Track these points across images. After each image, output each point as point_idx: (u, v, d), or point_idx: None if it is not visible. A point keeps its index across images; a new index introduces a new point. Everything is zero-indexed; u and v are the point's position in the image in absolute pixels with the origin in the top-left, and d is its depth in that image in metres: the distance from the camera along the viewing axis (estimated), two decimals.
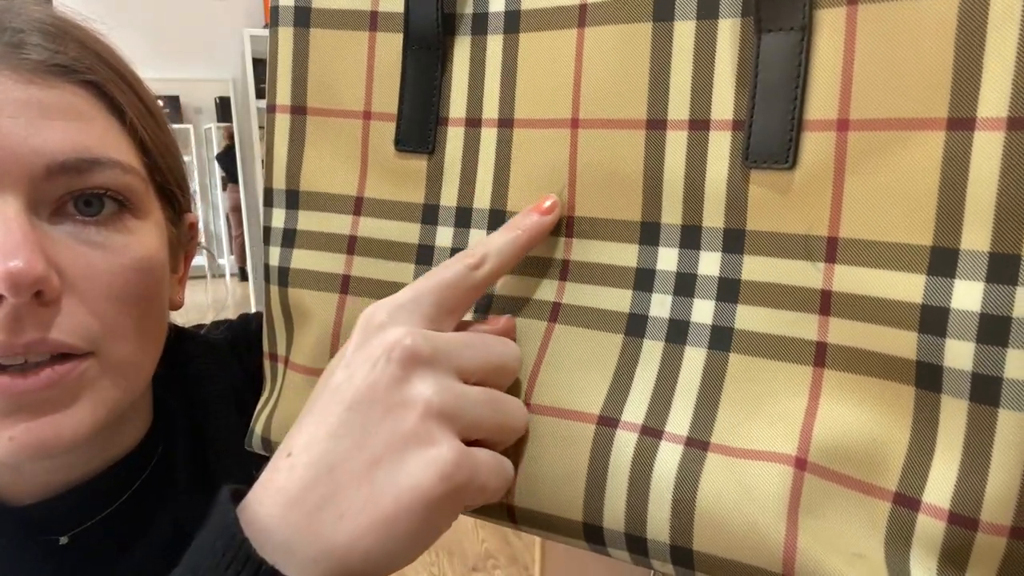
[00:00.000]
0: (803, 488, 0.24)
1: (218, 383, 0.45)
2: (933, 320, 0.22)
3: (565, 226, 0.29)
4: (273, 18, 0.34)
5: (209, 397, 0.44)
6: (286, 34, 0.34)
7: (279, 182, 0.34)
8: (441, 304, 0.27)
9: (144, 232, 0.36)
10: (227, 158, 3.80)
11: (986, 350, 0.21)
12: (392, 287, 0.32)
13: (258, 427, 0.36)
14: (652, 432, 0.26)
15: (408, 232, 0.32)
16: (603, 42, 0.27)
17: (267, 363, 0.37)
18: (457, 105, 0.31)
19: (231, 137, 3.76)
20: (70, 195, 0.33)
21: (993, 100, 0.21)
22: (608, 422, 0.27)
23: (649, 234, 0.27)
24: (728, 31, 0.25)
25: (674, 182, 0.27)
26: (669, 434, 0.26)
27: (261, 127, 3.46)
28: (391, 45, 0.31)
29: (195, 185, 3.93)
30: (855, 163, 0.23)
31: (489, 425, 0.26)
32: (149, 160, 0.37)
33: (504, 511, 0.29)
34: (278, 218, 0.34)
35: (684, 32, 0.26)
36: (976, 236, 0.21)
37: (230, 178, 3.83)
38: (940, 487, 0.22)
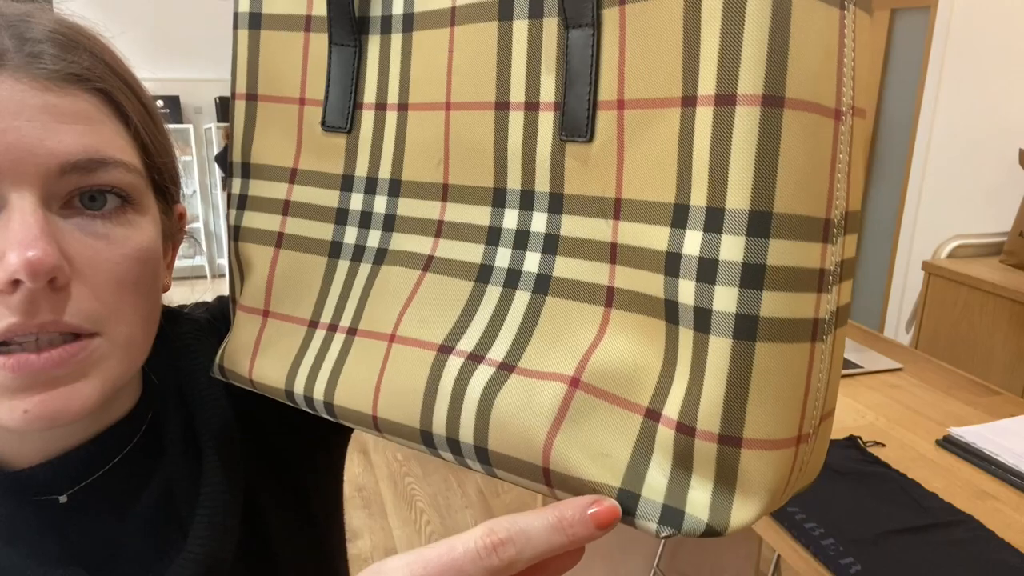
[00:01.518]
0: (572, 401, 0.30)
1: (201, 356, 0.48)
2: (673, 264, 0.27)
3: (441, 191, 0.35)
4: (235, 22, 0.41)
5: (194, 368, 0.48)
6: (243, 35, 0.41)
7: (237, 156, 0.42)
8: None
9: (143, 225, 0.39)
10: (224, 158, 3.80)
11: (702, 287, 0.26)
12: (314, 243, 0.39)
13: (217, 358, 0.44)
14: (475, 358, 0.32)
15: (330, 198, 0.39)
16: (466, 38, 0.33)
17: (231, 307, 0.44)
18: (369, 93, 0.37)
19: (229, 137, 3.76)
20: (78, 191, 0.36)
21: (706, 81, 0.26)
22: (445, 350, 0.33)
23: (499, 198, 0.34)
24: (550, 28, 0.31)
25: (515, 154, 0.33)
26: (488, 359, 0.32)
27: None
28: (321, 43, 0.38)
29: (195, 185, 3.92)
30: (630, 136, 0.29)
31: None
32: (148, 160, 0.41)
33: (371, 420, 0.35)
34: (236, 186, 0.42)
35: (520, 29, 0.32)
36: (699, 194, 0.26)
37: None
38: (674, 402, 0.28)
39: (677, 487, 0.28)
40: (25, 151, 0.34)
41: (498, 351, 0.32)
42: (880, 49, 3.19)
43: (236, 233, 0.42)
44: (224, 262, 4.10)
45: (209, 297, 0.55)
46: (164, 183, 0.43)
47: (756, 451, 0.26)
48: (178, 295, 3.69)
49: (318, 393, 0.37)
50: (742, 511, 0.27)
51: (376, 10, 0.37)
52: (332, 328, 0.38)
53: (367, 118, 0.37)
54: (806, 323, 0.26)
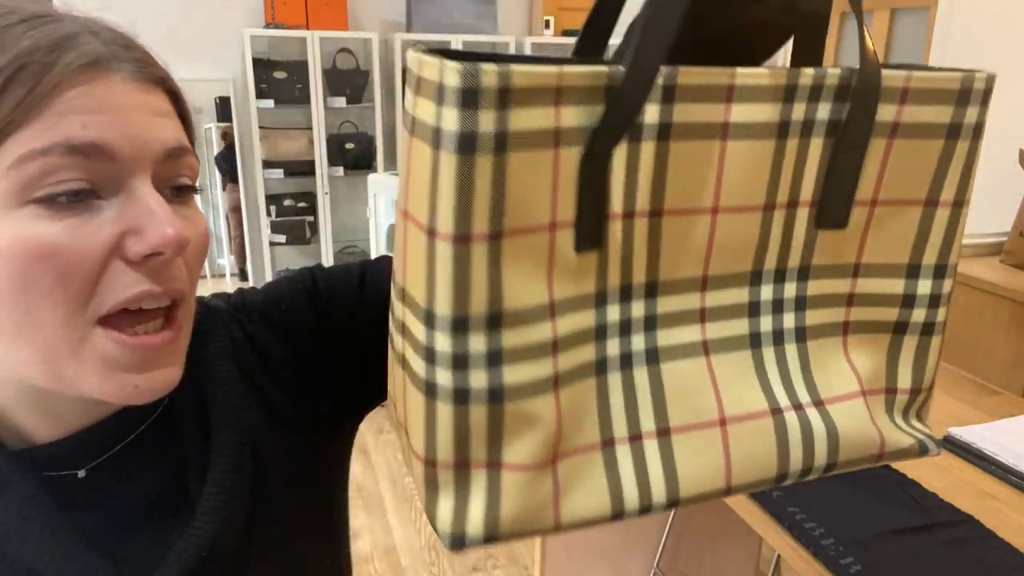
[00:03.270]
0: (869, 404, 0.43)
1: (216, 341, 0.51)
2: (908, 301, 0.42)
3: (700, 283, 0.38)
4: (466, 143, 0.30)
5: (209, 354, 0.50)
6: (485, 164, 0.31)
7: (478, 307, 0.33)
8: None
9: (199, 207, 0.45)
10: (224, 159, 3.80)
11: (931, 312, 0.42)
12: (582, 369, 0.36)
13: (468, 528, 0.36)
14: (797, 407, 0.40)
15: (587, 318, 0.36)
16: (740, 151, 0.36)
17: (451, 472, 0.36)
18: (616, 202, 0.35)
19: (225, 136, 3.75)
20: (173, 178, 0.42)
21: (947, 192, 0.40)
22: (776, 412, 0.40)
23: (755, 278, 0.40)
24: (817, 144, 0.38)
25: (775, 243, 0.39)
26: (804, 404, 0.41)
27: (261, 127, 3.46)
28: (570, 159, 0.33)
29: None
30: (876, 223, 0.40)
31: None
32: (194, 148, 0.46)
33: (723, 491, 0.40)
34: (476, 343, 0.33)
35: (792, 146, 0.37)
36: (930, 258, 0.42)
37: (229, 178, 3.83)
38: (904, 379, 0.43)
39: (919, 427, 0.44)
40: (141, 140, 0.40)
41: (804, 396, 0.40)
42: (880, 49, 3.19)
43: (494, 395, 0.34)
44: (224, 262, 4.10)
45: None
46: None
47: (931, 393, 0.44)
48: None
49: (658, 498, 0.38)
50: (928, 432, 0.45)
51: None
52: (635, 438, 0.38)
53: (615, 229, 0.36)
54: (941, 324, 0.43)
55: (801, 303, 0.41)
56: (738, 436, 0.39)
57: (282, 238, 3.67)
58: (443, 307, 0.33)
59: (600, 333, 0.37)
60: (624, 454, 0.37)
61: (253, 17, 3.46)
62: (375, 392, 0.55)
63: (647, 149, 0.35)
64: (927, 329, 0.42)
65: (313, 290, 0.54)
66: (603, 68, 0.33)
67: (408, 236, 0.34)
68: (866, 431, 0.41)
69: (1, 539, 0.42)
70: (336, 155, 3.60)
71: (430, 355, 0.34)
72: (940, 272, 0.41)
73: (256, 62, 3.36)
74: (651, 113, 0.34)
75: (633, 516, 0.38)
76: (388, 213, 2.95)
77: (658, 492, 0.37)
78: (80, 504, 0.44)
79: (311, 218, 3.67)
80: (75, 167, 0.37)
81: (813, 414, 0.40)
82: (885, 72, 0.37)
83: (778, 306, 0.40)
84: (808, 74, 0.36)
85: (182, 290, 0.42)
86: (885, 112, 0.37)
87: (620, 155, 0.34)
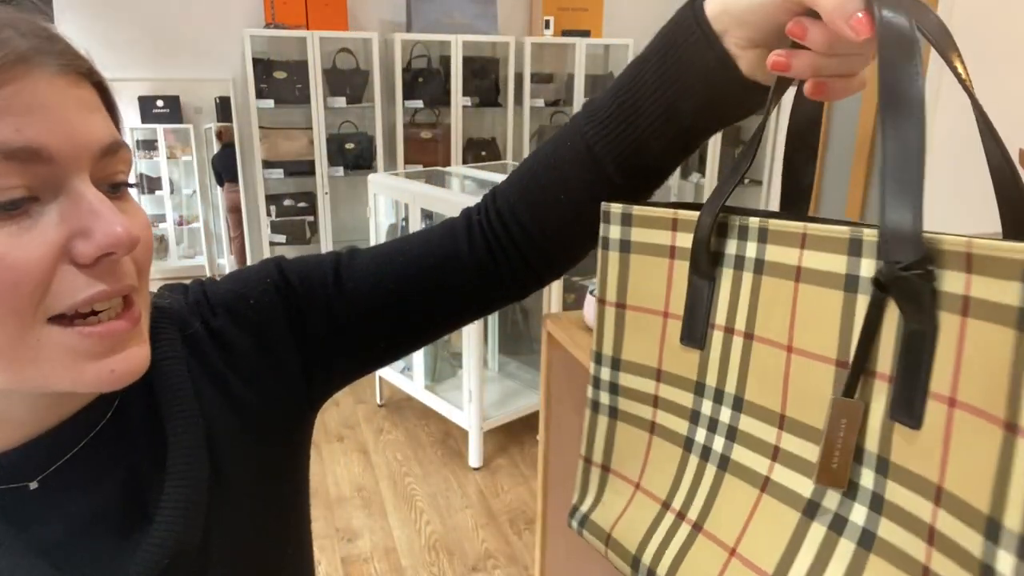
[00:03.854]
0: None
1: (165, 341, 0.50)
2: (987, 574, 0.29)
3: (779, 420, 0.39)
4: (605, 243, 0.49)
5: (158, 354, 0.48)
6: (614, 256, 0.48)
7: (607, 350, 0.49)
8: None
9: (132, 198, 0.44)
10: (219, 159, 3.79)
11: None
12: (675, 435, 0.46)
13: (587, 509, 0.52)
14: None
15: (686, 399, 0.45)
16: (809, 296, 0.37)
17: (586, 466, 0.53)
18: (720, 315, 0.43)
19: (220, 136, 3.75)
20: (110, 175, 0.41)
21: None
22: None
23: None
24: (891, 309, 0.34)
25: (854, 416, 0.36)
26: None
27: (261, 127, 3.46)
28: (683, 268, 0.45)
29: (195, 185, 3.92)
30: (958, 433, 0.31)
31: None
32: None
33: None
34: (605, 374, 0.50)
35: (863, 302, 0.35)
36: (1013, 518, 0.28)
37: (225, 178, 3.82)
38: None
39: None
40: (77, 138, 0.38)
41: None
42: None
43: (612, 412, 0.50)
44: (224, 262, 4.10)
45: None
46: None
47: None
48: None
49: (661, 569, 0.44)
50: None
51: (731, 249, 0.42)
52: (680, 516, 0.45)
53: (717, 337, 0.43)
54: None
55: (877, 503, 0.35)
56: (736, 572, 0.41)
57: (282, 238, 3.67)
58: (594, 344, 0.50)
59: (694, 417, 0.45)
60: (667, 521, 0.45)
61: (253, 17, 3.46)
62: (337, 380, 0.58)
63: (747, 278, 0.41)
64: None
65: (283, 284, 0.54)
66: (695, 213, 0.43)
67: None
68: None
69: None
70: (336, 155, 3.60)
71: (590, 378, 0.51)
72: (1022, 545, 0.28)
73: (256, 62, 3.36)
74: (750, 248, 0.41)
75: (640, 571, 0.46)
76: (388, 213, 2.95)
77: (664, 565, 0.44)
78: (33, 517, 0.43)
79: (311, 218, 3.67)
80: (11, 174, 0.36)
81: None
82: (946, 236, 0.31)
83: (851, 490, 0.36)
84: (873, 231, 0.34)
85: (132, 285, 0.41)
86: (951, 281, 0.31)
87: (727, 279, 0.42)
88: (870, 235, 0.35)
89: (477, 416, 2.62)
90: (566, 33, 3.93)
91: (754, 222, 0.41)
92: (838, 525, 0.36)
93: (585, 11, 3.97)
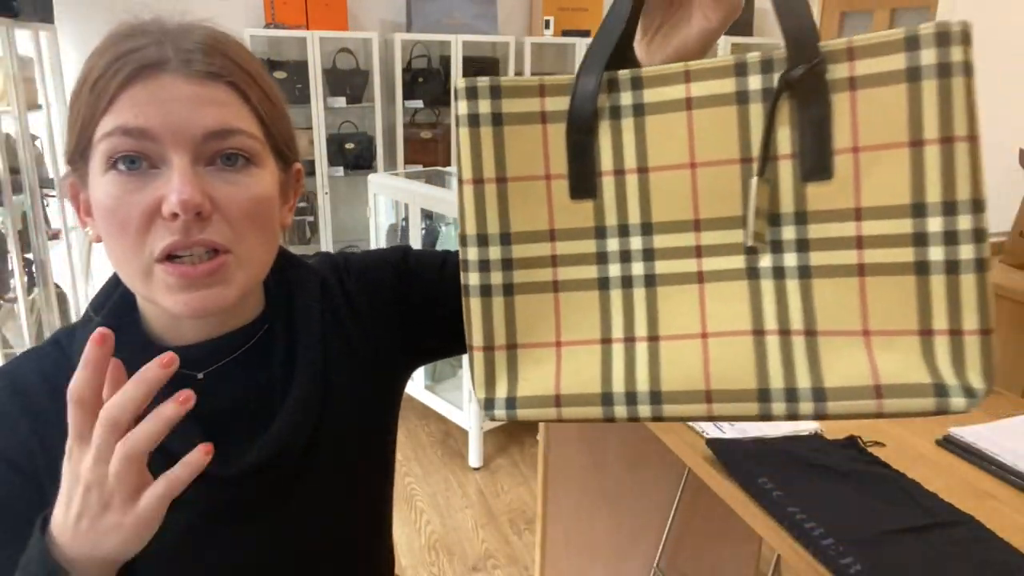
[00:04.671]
0: (872, 343, 0.44)
1: (308, 290, 0.66)
2: (920, 239, 0.42)
3: (694, 225, 0.47)
4: (473, 119, 0.49)
5: (300, 299, 0.65)
6: (487, 133, 0.49)
7: (492, 228, 0.50)
8: None
9: (262, 176, 0.57)
10: None
11: (949, 248, 0.42)
12: (585, 282, 0.50)
13: (496, 393, 0.51)
14: (784, 332, 0.45)
15: (588, 246, 0.50)
16: (704, 118, 0.46)
17: (481, 353, 0.51)
18: (606, 164, 0.48)
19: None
20: (218, 153, 0.54)
21: (930, 130, 0.41)
22: (758, 332, 0.46)
23: (747, 222, 0.46)
24: (784, 107, 0.44)
25: (765, 191, 0.45)
26: (794, 331, 0.45)
27: None
28: (557, 131, 0.49)
29: None
30: (866, 169, 0.43)
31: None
32: (266, 129, 0.58)
33: (703, 395, 0.46)
34: (494, 253, 0.50)
35: (755, 112, 0.45)
36: (934, 195, 0.42)
37: None
38: (940, 320, 0.43)
39: (960, 372, 0.42)
40: (180, 125, 0.52)
41: (798, 323, 0.45)
42: None
43: (508, 290, 0.50)
44: None
45: None
46: (280, 147, 0.60)
47: (987, 336, 0.42)
48: None
49: (641, 385, 0.48)
50: (981, 376, 0.43)
51: (603, 103, 0.48)
52: (629, 340, 0.49)
53: (608, 182, 0.49)
54: (987, 260, 0.42)
55: (804, 245, 0.45)
56: (718, 348, 0.46)
57: (282, 237, 3.66)
58: (470, 228, 0.49)
59: (601, 258, 0.49)
60: (618, 350, 0.49)
61: (253, 17, 3.46)
62: (431, 350, 0.74)
63: (627, 123, 0.48)
64: (952, 267, 0.42)
65: (403, 266, 0.71)
66: (565, 77, 0.49)
67: (457, 192, 0.49)
68: (856, 363, 0.44)
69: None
70: (336, 155, 3.60)
71: (466, 265, 0.50)
72: (950, 209, 0.41)
73: None
74: (625, 97, 0.48)
75: (621, 404, 0.48)
76: (388, 213, 2.95)
77: (641, 380, 0.47)
78: (197, 400, 0.53)
79: (311, 218, 3.67)
80: (128, 145, 0.51)
81: (798, 340, 0.45)
82: (830, 41, 0.43)
83: (776, 246, 0.46)
84: (754, 54, 0.45)
85: (214, 241, 0.53)
86: (838, 70, 0.43)
87: (605, 128, 0.48)
88: (752, 58, 0.45)
89: (477, 416, 2.62)
90: (566, 33, 3.93)
91: (624, 74, 0.48)
92: (780, 273, 0.46)
93: (585, 11, 3.96)
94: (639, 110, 0.48)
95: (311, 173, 3.53)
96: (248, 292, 0.58)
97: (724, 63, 0.46)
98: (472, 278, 0.50)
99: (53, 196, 3.00)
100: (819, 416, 0.45)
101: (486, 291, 0.50)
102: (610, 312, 0.49)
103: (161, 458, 0.51)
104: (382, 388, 0.70)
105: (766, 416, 0.46)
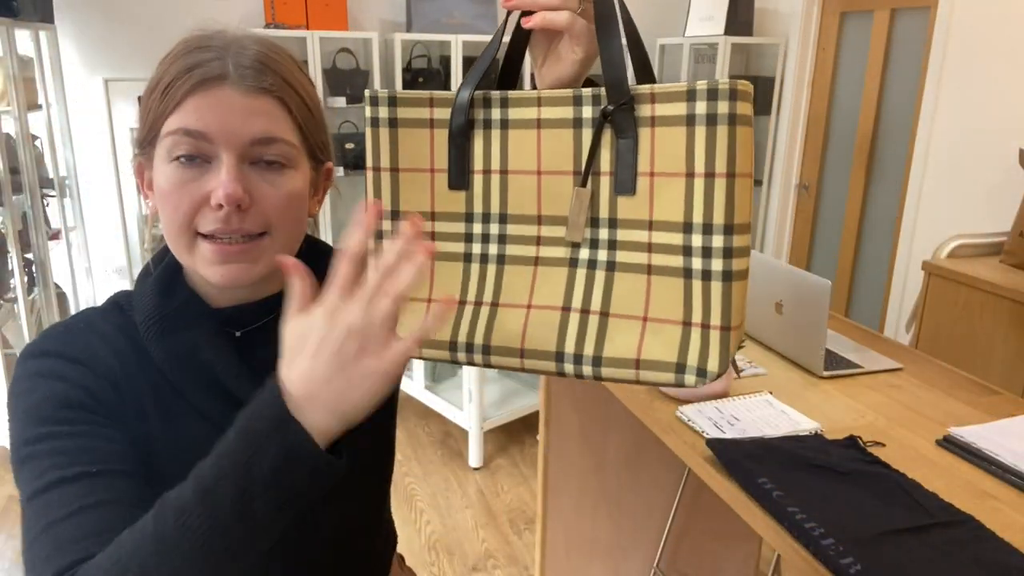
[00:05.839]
0: (646, 329, 0.57)
1: (329, 265, 0.73)
2: (687, 250, 0.54)
3: (537, 219, 0.61)
4: (375, 122, 0.64)
5: (322, 273, 0.73)
6: (384, 132, 0.64)
7: (386, 205, 0.64)
8: None
9: (296, 177, 0.67)
10: None
11: (705, 260, 0.54)
12: (453, 255, 0.63)
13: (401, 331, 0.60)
14: (584, 311, 0.59)
15: (458, 227, 0.63)
16: (549, 135, 0.59)
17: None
18: (478, 162, 0.62)
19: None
20: (261, 156, 0.65)
21: (699, 165, 0.53)
22: (565, 309, 0.59)
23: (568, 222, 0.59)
24: (607, 136, 0.57)
25: (585, 198, 0.58)
26: (592, 311, 0.58)
27: None
28: (441, 135, 0.63)
29: None
30: (658, 190, 0.56)
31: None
32: (303, 136, 0.68)
33: (518, 352, 0.60)
34: (386, 225, 0.64)
35: (587, 134, 0.58)
36: (697, 216, 0.54)
37: None
38: (698, 314, 0.55)
39: (702, 357, 0.55)
40: (233, 131, 0.63)
41: (596, 305, 0.58)
42: (880, 49, 3.19)
43: None
44: None
45: None
46: (314, 150, 0.71)
47: (731, 331, 0.54)
48: None
49: (478, 339, 0.61)
50: (717, 362, 0.55)
51: (479, 115, 0.62)
52: (477, 304, 0.62)
53: (477, 179, 0.62)
54: (745, 271, 0.55)
55: (613, 244, 0.58)
56: (535, 317, 0.60)
57: (320, 239, 3.66)
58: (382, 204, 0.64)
59: (468, 238, 0.63)
60: (468, 311, 0.62)
61: (253, 17, 3.46)
62: None
63: (495, 133, 0.61)
64: (706, 275, 0.54)
65: None
66: (452, 92, 0.61)
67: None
68: (628, 342, 0.57)
69: (199, 349, 0.68)
70: (336, 155, 3.59)
71: (377, 235, 0.63)
72: (708, 229, 0.53)
73: None
74: (495, 113, 0.61)
75: (463, 351, 0.61)
76: None
77: (479, 335, 0.61)
78: (238, 353, 0.69)
79: (311, 218, 3.66)
80: (189, 144, 0.63)
81: (593, 319, 0.58)
82: (638, 87, 0.56)
83: (594, 243, 0.59)
84: (588, 90, 0.58)
85: (251, 230, 0.64)
86: (643, 110, 0.56)
87: (479, 136, 0.62)
88: (587, 92, 0.57)
89: (477, 416, 2.62)
90: None
91: (495, 94, 0.61)
92: (592, 265, 0.59)
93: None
94: (504, 124, 0.61)
95: None
96: (276, 268, 0.66)
97: (566, 94, 0.59)
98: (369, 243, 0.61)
99: (53, 196, 3.00)
100: (596, 377, 0.57)
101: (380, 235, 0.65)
102: (469, 280, 0.63)
103: (219, 391, 0.67)
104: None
105: (560, 373, 0.59)
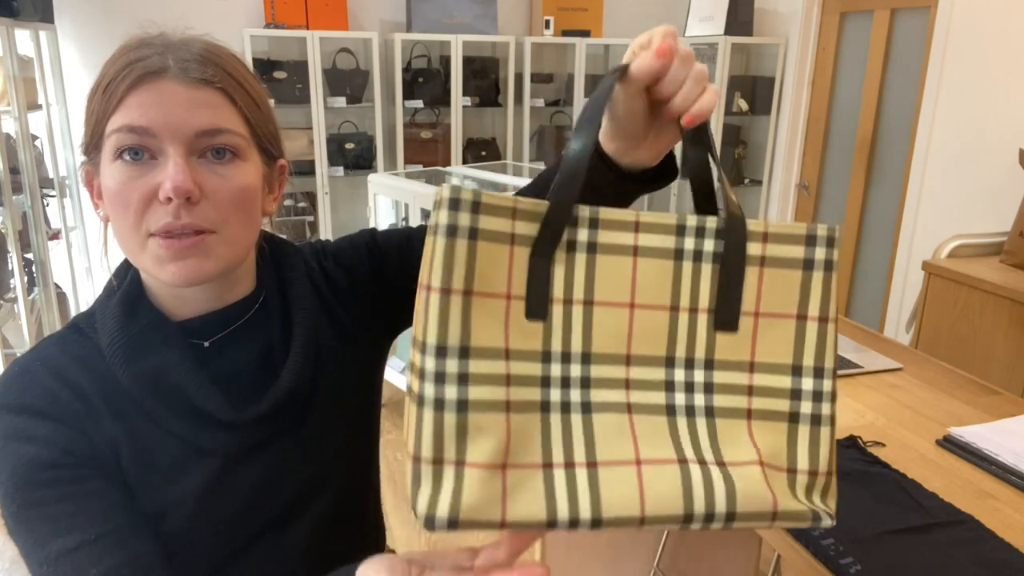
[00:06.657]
0: (767, 474, 0.52)
1: (294, 266, 0.77)
2: (796, 394, 0.53)
3: (625, 359, 0.52)
4: (452, 230, 0.49)
5: (289, 274, 0.77)
6: (463, 245, 0.49)
7: (453, 340, 0.49)
8: None
9: (247, 169, 0.66)
10: None
11: (816, 404, 0.53)
12: (530, 404, 0.51)
13: (438, 511, 0.48)
14: (701, 462, 0.51)
15: (535, 368, 0.51)
16: (647, 264, 0.53)
17: (429, 467, 0.49)
18: (558, 291, 0.52)
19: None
20: (208, 148, 0.63)
21: (812, 309, 0.53)
22: (682, 461, 0.51)
23: (670, 362, 0.53)
24: (707, 267, 0.53)
25: (682, 337, 0.53)
26: (707, 461, 0.51)
27: None
28: (522, 254, 0.52)
29: None
30: (762, 331, 0.53)
31: None
32: (251, 129, 0.67)
33: (638, 520, 0.49)
34: (451, 366, 0.49)
35: (687, 266, 0.53)
36: (808, 360, 0.53)
37: None
38: (803, 460, 0.53)
39: (824, 502, 0.53)
40: (177, 124, 0.61)
41: (709, 455, 0.51)
42: (880, 49, 3.19)
43: (461, 406, 0.49)
44: None
45: None
46: (264, 145, 0.70)
47: (832, 477, 0.53)
48: None
49: (584, 513, 0.49)
50: (834, 504, 0.54)
51: (564, 236, 0.52)
52: (569, 465, 0.50)
53: (558, 310, 0.52)
54: (835, 417, 0.53)
55: (710, 388, 0.53)
56: (651, 476, 0.50)
57: (282, 237, 3.66)
58: (431, 338, 0.48)
59: (545, 382, 0.51)
60: (559, 475, 0.49)
61: (253, 17, 3.46)
62: (404, 320, 0.83)
63: (580, 257, 0.52)
64: (816, 420, 0.53)
65: (372, 244, 0.82)
66: (544, 203, 0.52)
67: (418, 297, 0.49)
68: (761, 493, 0.51)
69: (166, 373, 0.66)
70: (336, 155, 3.60)
71: (422, 374, 0.48)
72: (819, 373, 0.53)
73: (256, 62, 3.36)
74: (582, 234, 0.52)
75: (564, 527, 0.49)
76: (388, 213, 2.95)
77: (584, 509, 0.48)
78: (207, 365, 0.68)
79: (311, 218, 3.66)
80: (133, 140, 0.61)
81: (715, 470, 0.51)
82: (750, 220, 0.53)
83: (689, 387, 0.53)
84: (692, 219, 0.53)
85: (201, 225, 0.62)
86: (753, 248, 0.53)
87: (561, 259, 0.52)
88: (691, 223, 0.53)
89: None
90: (566, 33, 3.92)
91: (584, 212, 0.53)
92: (691, 411, 0.53)
93: (585, 11, 3.96)
94: (592, 248, 0.53)
95: (311, 173, 3.53)
96: (231, 266, 0.67)
97: (668, 222, 0.53)
98: (428, 389, 0.48)
99: (53, 196, 3.00)
100: (725, 529, 0.52)
101: (439, 405, 0.48)
102: (551, 436, 0.51)
103: (189, 410, 0.66)
104: (364, 351, 0.81)
105: (684, 528, 0.51)
